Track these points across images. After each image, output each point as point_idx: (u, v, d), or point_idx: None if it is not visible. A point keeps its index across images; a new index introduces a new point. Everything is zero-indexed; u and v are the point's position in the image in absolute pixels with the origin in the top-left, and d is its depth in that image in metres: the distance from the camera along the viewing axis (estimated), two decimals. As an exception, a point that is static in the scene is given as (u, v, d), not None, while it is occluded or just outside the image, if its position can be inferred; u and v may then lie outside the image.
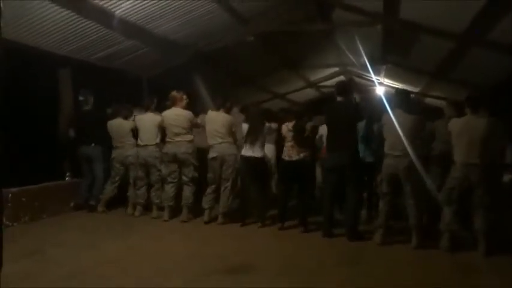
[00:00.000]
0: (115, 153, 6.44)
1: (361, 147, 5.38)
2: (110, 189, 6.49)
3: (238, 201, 6.13)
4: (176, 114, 5.87)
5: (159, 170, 6.16)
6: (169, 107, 5.96)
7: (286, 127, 5.50)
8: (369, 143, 5.57)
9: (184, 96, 5.99)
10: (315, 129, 5.90)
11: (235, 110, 6.44)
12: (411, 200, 4.70)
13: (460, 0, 4.95)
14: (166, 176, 6.00)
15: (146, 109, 6.38)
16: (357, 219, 5.14)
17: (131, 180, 6.40)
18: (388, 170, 4.77)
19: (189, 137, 5.90)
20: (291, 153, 5.40)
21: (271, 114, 6.84)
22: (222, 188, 5.79)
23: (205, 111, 6.20)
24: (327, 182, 5.24)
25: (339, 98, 5.18)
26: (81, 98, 6.54)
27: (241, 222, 5.69)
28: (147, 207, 6.29)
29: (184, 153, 5.82)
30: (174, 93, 5.94)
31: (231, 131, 5.83)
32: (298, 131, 5.38)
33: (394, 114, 4.79)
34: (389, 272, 4.00)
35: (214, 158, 5.76)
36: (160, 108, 6.32)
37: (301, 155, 5.35)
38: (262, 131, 5.68)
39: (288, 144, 5.44)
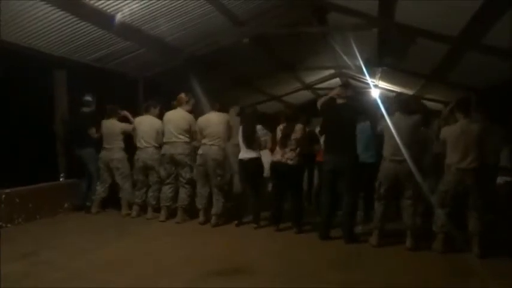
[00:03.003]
0: (101, 155, 6.42)
1: (362, 148, 5.38)
2: (100, 190, 6.48)
3: (232, 203, 6.13)
4: (179, 116, 5.88)
5: (158, 172, 6.15)
6: (174, 108, 5.97)
7: (279, 129, 5.52)
8: (371, 143, 5.57)
9: (192, 100, 6.03)
10: (305, 132, 5.90)
11: (233, 112, 6.42)
12: (409, 202, 4.71)
13: (456, 3, 4.97)
14: (165, 178, 5.99)
15: (146, 111, 6.38)
16: (353, 221, 5.15)
17: (119, 183, 6.39)
18: (389, 175, 4.77)
19: (187, 139, 5.90)
20: (278, 154, 5.44)
21: (266, 117, 6.83)
22: (212, 190, 5.80)
23: (201, 114, 6.18)
24: (324, 184, 5.24)
25: (339, 100, 5.19)
26: (87, 99, 6.53)
27: (236, 222, 5.74)
28: (143, 208, 6.28)
29: (180, 154, 5.83)
30: (182, 95, 5.98)
31: (225, 131, 5.79)
32: (284, 133, 5.41)
33: (394, 118, 4.81)
34: (384, 274, 4.01)
35: (200, 155, 5.74)
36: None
37: (285, 156, 5.37)
38: (255, 133, 5.67)
39: (277, 146, 5.48)
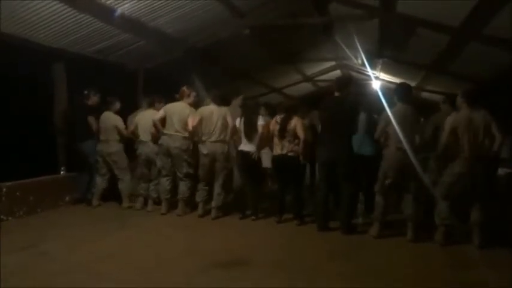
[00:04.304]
0: (99, 147, 6.39)
1: (361, 140, 5.37)
2: (99, 182, 6.47)
3: (232, 196, 6.13)
4: (179, 109, 5.84)
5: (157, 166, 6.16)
6: (177, 100, 5.95)
7: (275, 120, 5.49)
8: (369, 136, 5.56)
9: (193, 93, 6.00)
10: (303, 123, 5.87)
11: (235, 103, 6.37)
12: (411, 193, 4.71)
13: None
14: (160, 168, 6.00)
15: (149, 106, 6.37)
16: (351, 213, 5.15)
17: (118, 176, 6.40)
18: (396, 165, 4.72)
19: (185, 133, 5.85)
20: (276, 147, 5.43)
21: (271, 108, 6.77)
22: (215, 183, 5.78)
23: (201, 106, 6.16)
24: (321, 176, 5.25)
25: (337, 93, 5.17)
26: (89, 91, 6.50)
27: (240, 215, 5.73)
28: (147, 201, 6.29)
29: (176, 148, 5.78)
30: (184, 88, 5.96)
31: (226, 125, 5.73)
32: (281, 126, 5.37)
33: (399, 108, 4.77)
34: (384, 266, 4.01)
35: (205, 155, 5.71)
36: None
37: (284, 150, 5.35)
38: (256, 126, 5.64)
39: (275, 139, 5.46)
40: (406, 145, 4.58)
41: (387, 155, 4.83)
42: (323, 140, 5.21)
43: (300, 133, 5.30)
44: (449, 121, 4.59)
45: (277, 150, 5.42)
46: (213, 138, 5.67)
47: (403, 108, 4.75)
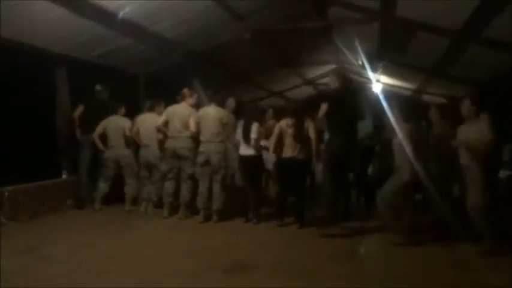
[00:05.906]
0: (108, 153, 6.44)
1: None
2: (103, 187, 6.50)
3: (234, 199, 6.13)
4: (181, 110, 5.88)
5: (160, 170, 6.20)
6: (178, 102, 5.98)
7: (285, 122, 5.48)
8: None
9: (195, 95, 6.03)
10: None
11: (229, 106, 6.39)
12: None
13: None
14: (166, 172, 6.01)
15: (149, 110, 6.40)
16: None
17: (126, 179, 6.45)
18: (407, 183, 4.63)
19: (189, 133, 5.88)
20: (288, 150, 5.40)
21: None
22: (214, 184, 5.78)
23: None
24: (328, 173, 5.19)
25: (333, 85, 5.29)
26: (99, 88, 6.71)
27: (244, 219, 5.73)
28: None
29: (182, 148, 5.82)
30: (185, 90, 6.00)
31: (223, 126, 5.76)
32: (298, 128, 5.38)
33: (408, 129, 4.64)
34: (384, 267, 4.02)
35: (200, 153, 5.74)
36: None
37: (297, 152, 5.36)
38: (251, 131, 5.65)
39: (287, 141, 5.42)
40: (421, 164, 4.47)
41: (398, 174, 4.64)
42: (331, 134, 5.24)
43: (313, 135, 5.39)
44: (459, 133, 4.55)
45: (289, 153, 5.40)
46: (209, 138, 5.69)
47: (414, 130, 4.62)
